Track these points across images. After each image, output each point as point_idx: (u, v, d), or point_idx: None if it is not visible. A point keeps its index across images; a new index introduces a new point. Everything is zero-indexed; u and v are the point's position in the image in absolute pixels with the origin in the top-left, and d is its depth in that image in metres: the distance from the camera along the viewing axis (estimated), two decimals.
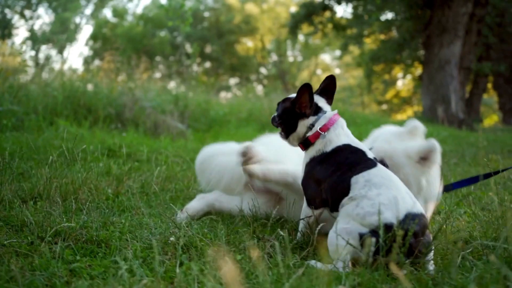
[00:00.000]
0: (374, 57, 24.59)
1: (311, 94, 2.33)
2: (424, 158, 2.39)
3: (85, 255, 2.07)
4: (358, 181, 2.10)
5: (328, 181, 2.22)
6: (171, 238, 2.25)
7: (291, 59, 39.57)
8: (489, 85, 27.38)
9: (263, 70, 39.89)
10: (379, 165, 2.19)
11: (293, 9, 39.54)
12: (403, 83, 35.36)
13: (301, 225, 2.43)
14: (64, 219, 2.40)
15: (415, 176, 2.40)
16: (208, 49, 34.08)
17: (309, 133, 2.35)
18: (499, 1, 21.86)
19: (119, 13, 35.05)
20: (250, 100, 11.74)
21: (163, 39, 32.43)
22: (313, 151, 2.34)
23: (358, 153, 2.26)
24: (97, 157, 4.11)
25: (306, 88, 2.31)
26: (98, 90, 7.93)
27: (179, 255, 1.98)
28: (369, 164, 2.18)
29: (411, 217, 1.94)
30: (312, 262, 2.05)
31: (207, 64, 35.77)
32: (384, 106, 35.48)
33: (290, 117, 2.40)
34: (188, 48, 33.31)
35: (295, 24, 19.04)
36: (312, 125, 2.35)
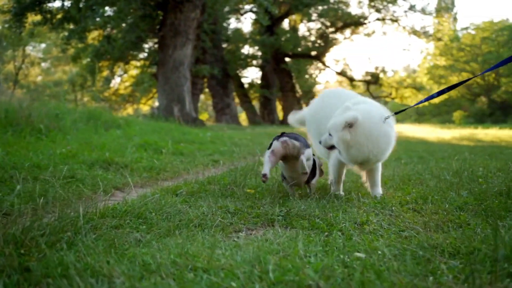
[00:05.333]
0: (99, 54, 23.85)
1: None
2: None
3: None
4: None
5: None
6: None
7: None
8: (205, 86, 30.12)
9: None
10: None
11: None
12: (121, 80, 35.45)
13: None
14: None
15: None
16: None
17: None
18: (213, 10, 24.26)
19: None
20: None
21: None
22: None
23: None
24: None
25: None
26: None
27: None
28: None
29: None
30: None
31: None
32: (103, 103, 34.69)
33: None
34: None
35: (21, 11, 16.61)
36: None
